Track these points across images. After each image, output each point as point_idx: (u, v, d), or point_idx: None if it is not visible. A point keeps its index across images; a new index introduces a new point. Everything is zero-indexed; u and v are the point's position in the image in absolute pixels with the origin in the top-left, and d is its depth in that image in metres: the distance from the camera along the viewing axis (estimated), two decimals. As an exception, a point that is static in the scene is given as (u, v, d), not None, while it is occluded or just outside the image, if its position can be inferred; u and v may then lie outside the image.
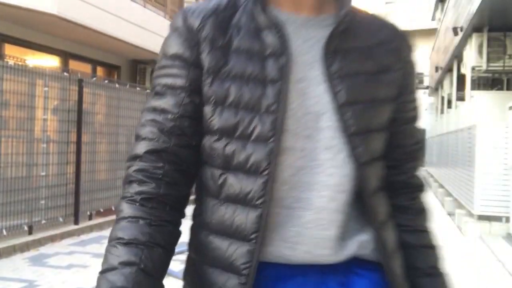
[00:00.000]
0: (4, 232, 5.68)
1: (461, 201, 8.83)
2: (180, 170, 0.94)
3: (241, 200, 0.91)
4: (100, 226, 7.12)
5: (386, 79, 0.99)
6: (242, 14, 0.97)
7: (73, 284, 4.57)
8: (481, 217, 7.42)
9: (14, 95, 5.88)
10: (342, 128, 0.92)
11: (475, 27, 8.99)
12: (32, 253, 5.68)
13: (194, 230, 0.98)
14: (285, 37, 0.93)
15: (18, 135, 6.03)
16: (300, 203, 0.91)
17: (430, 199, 12.30)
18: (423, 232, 1.07)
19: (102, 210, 7.48)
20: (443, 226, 8.38)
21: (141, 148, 0.94)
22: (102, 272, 0.86)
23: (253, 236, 0.89)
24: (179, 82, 0.94)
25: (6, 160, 5.84)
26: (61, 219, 6.61)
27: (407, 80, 1.03)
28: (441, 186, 13.00)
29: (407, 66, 1.04)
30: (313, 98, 0.93)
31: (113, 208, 7.68)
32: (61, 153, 6.67)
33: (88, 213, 7.20)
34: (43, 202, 6.31)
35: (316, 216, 0.91)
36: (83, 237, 6.60)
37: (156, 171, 0.92)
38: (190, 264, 0.99)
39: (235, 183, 0.91)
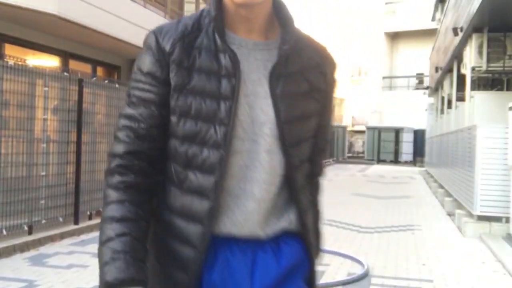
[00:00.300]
0: (4, 232, 5.69)
1: (461, 201, 8.83)
2: (152, 165, 1.22)
3: (198, 192, 1.19)
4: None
5: (316, 97, 1.28)
6: (204, 36, 1.21)
7: (73, 284, 4.57)
8: (481, 218, 7.42)
9: (14, 95, 5.88)
10: (280, 138, 1.20)
11: (475, 28, 8.99)
12: (32, 253, 5.68)
13: (158, 210, 1.25)
14: (237, 60, 1.18)
15: (18, 135, 6.03)
16: (245, 193, 1.20)
17: (430, 199, 12.30)
18: (317, 202, 1.44)
19: (102, 210, 7.48)
20: (443, 226, 8.38)
21: (120, 148, 1.22)
22: (103, 243, 1.14)
23: (205, 220, 1.18)
24: (151, 96, 1.20)
25: (6, 160, 5.84)
26: (61, 219, 6.61)
27: (330, 96, 1.34)
28: (441, 186, 13.00)
29: (331, 86, 1.34)
30: (258, 110, 1.20)
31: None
32: (61, 153, 6.68)
33: (88, 213, 7.20)
34: (43, 202, 6.31)
35: (257, 205, 1.21)
36: (83, 237, 6.60)
37: (133, 167, 1.20)
38: (155, 236, 1.25)
39: (194, 179, 1.20)
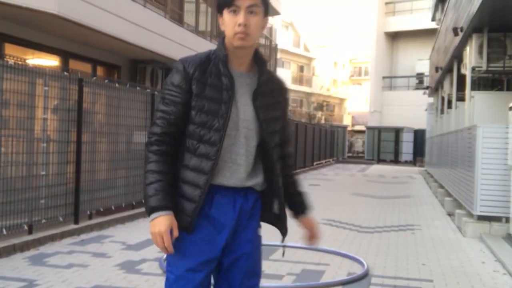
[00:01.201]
0: (4, 232, 5.68)
1: (461, 201, 8.83)
2: (175, 140, 2.06)
3: (205, 156, 2.02)
4: (100, 226, 7.12)
5: (278, 107, 2.17)
6: (212, 65, 2.06)
7: (73, 283, 4.56)
8: (481, 218, 7.42)
9: (14, 95, 5.88)
10: (256, 130, 2.08)
11: (475, 28, 8.99)
12: (32, 252, 5.68)
13: (178, 167, 2.06)
14: (233, 81, 2.04)
15: (18, 135, 6.03)
16: (231, 160, 2.05)
17: (430, 199, 12.29)
18: (293, 175, 2.34)
19: (102, 209, 7.48)
20: (443, 226, 8.38)
21: (158, 130, 2.04)
22: (147, 184, 1.98)
23: (208, 173, 2.01)
24: (179, 100, 2.04)
25: (6, 159, 5.84)
26: (61, 219, 6.61)
27: (286, 108, 2.25)
28: (441, 186, 12.99)
29: (286, 101, 2.25)
30: (242, 113, 2.05)
31: (113, 208, 7.68)
32: (61, 153, 6.67)
33: (88, 212, 7.20)
34: (43, 201, 6.30)
35: (238, 167, 2.06)
36: (83, 236, 6.60)
37: (165, 141, 2.04)
38: (176, 182, 2.05)
39: (203, 149, 2.02)
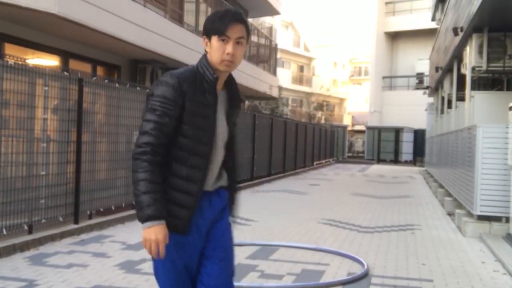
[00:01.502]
0: (4, 232, 5.68)
1: (461, 201, 8.83)
2: (166, 149, 2.20)
3: (197, 167, 2.24)
4: (100, 226, 7.12)
5: (237, 113, 2.47)
6: (200, 83, 2.25)
7: (73, 283, 4.57)
8: (481, 217, 7.42)
9: (14, 95, 5.88)
10: (227, 140, 2.38)
11: (475, 28, 8.99)
12: (32, 252, 5.68)
13: (168, 177, 2.22)
14: (217, 100, 2.30)
15: (18, 135, 6.03)
16: (212, 170, 2.32)
17: (430, 199, 12.29)
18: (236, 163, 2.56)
19: (102, 209, 7.48)
20: (443, 226, 8.38)
21: (152, 140, 2.15)
22: (142, 193, 2.12)
23: (199, 182, 2.25)
24: (172, 113, 2.18)
25: (6, 159, 5.84)
26: (61, 219, 6.61)
27: (239, 112, 2.53)
28: (441, 186, 12.99)
29: (239, 108, 2.51)
30: (220, 127, 2.32)
31: (113, 208, 7.68)
32: (61, 153, 6.67)
33: (88, 212, 7.20)
34: (43, 201, 6.30)
35: (214, 173, 2.34)
36: (83, 236, 6.60)
37: (158, 151, 2.16)
38: (167, 190, 2.21)
39: (194, 160, 2.23)
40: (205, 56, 2.29)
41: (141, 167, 2.11)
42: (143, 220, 2.12)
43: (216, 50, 2.22)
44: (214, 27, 2.21)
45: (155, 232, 2.11)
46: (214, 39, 2.22)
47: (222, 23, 2.20)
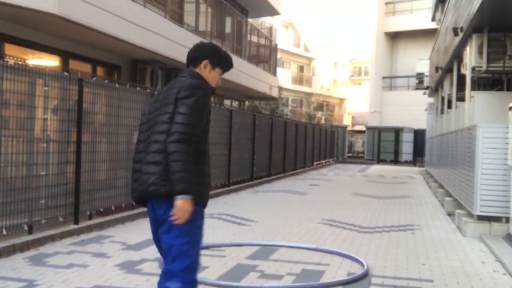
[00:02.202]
0: (4, 232, 5.68)
1: (461, 201, 8.83)
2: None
3: (208, 161, 2.98)
4: (100, 226, 7.12)
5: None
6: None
7: (73, 283, 4.56)
8: (481, 218, 7.42)
9: (14, 95, 5.88)
10: None
11: (475, 28, 8.99)
12: (32, 252, 5.68)
13: (196, 169, 2.79)
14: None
15: (18, 135, 6.03)
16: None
17: (430, 199, 12.28)
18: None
19: (102, 209, 7.48)
20: (443, 226, 8.38)
21: (197, 132, 2.81)
22: (189, 171, 2.74)
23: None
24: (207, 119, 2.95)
25: (6, 159, 5.84)
26: (61, 219, 6.61)
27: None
28: (441, 186, 12.99)
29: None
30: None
31: (113, 208, 7.67)
32: (61, 153, 6.67)
33: (88, 212, 7.20)
34: (43, 201, 6.30)
35: None
36: (83, 236, 6.60)
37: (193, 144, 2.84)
38: (196, 176, 2.78)
39: (207, 156, 2.97)
40: (198, 74, 3.02)
41: (186, 151, 2.70)
42: (184, 192, 2.67)
43: (215, 76, 3.08)
44: (224, 64, 3.10)
45: (190, 204, 2.73)
46: (218, 70, 3.08)
47: (230, 65, 3.15)
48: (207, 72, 3.01)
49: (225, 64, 3.11)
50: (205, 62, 3.01)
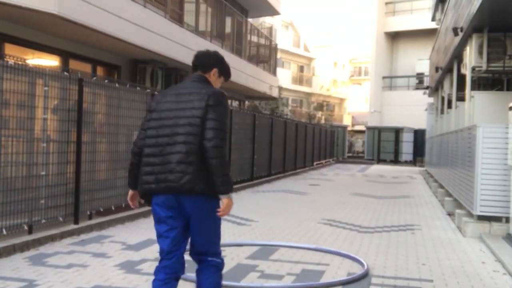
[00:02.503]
0: (4, 232, 5.68)
1: (461, 201, 8.83)
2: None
3: None
4: (100, 226, 7.12)
5: None
6: None
7: (73, 283, 4.57)
8: (481, 218, 7.42)
9: (14, 95, 5.88)
10: None
11: (475, 28, 8.99)
12: (32, 252, 5.68)
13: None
14: None
15: (18, 135, 6.03)
16: None
17: (429, 199, 12.28)
18: None
19: (102, 209, 7.48)
20: (443, 226, 8.38)
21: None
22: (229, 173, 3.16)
23: None
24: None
25: (6, 159, 5.84)
26: (61, 219, 6.61)
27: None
28: (441, 186, 12.99)
29: None
30: None
31: (113, 208, 7.67)
32: (61, 153, 6.67)
33: (88, 212, 7.20)
34: (43, 201, 6.30)
35: None
36: (83, 236, 6.60)
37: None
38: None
39: None
40: (207, 79, 3.36)
41: (225, 156, 3.08)
42: (230, 192, 3.10)
43: (219, 83, 3.44)
44: (227, 74, 3.48)
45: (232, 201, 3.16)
46: (221, 78, 3.46)
47: (230, 76, 3.53)
48: (215, 79, 3.37)
49: (228, 74, 3.51)
50: (214, 70, 3.36)
